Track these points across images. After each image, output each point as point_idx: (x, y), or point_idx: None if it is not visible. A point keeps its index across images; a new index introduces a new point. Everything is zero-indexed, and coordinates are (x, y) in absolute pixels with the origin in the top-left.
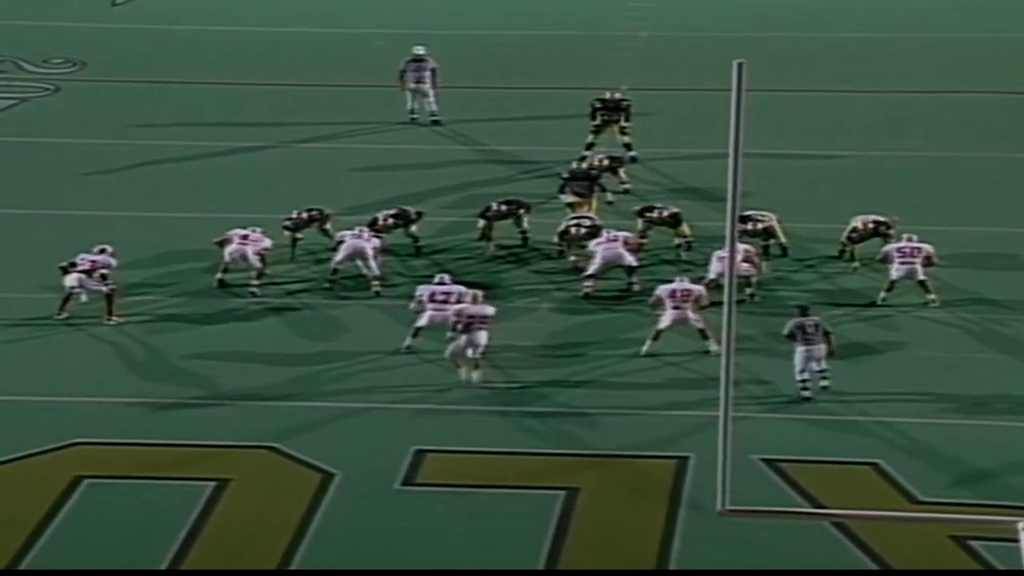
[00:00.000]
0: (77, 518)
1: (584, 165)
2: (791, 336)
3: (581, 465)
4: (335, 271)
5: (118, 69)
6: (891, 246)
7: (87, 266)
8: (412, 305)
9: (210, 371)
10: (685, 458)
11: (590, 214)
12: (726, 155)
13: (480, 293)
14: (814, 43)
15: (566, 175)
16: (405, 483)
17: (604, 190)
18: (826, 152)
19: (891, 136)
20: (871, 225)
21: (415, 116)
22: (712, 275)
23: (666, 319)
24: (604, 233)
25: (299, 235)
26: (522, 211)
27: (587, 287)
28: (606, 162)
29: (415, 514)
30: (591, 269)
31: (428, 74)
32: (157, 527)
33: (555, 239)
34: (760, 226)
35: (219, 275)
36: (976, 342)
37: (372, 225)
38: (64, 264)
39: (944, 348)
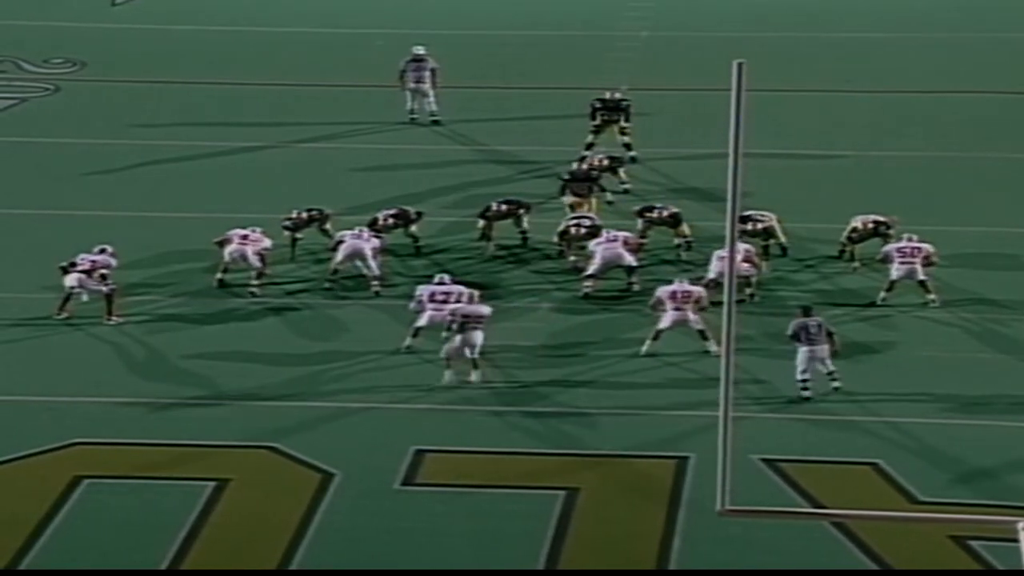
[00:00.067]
0: (77, 518)
1: (584, 165)
2: (794, 336)
3: (581, 465)
4: (335, 272)
5: (118, 69)
6: (891, 246)
7: (87, 266)
8: (412, 305)
9: (210, 371)
10: (685, 458)
11: (590, 214)
12: (726, 155)
13: (476, 293)
14: (814, 43)
15: (566, 176)
16: (405, 483)
17: (604, 190)
18: (826, 152)
19: (891, 136)
20: (871, 225)
21: (415, 116)
22: (712, 274)
23: (666, 320)
24: (604, 233)
25: (299, 235)
26: (522, 211)
27: (587, 287)
28: (606, 162)
29: (415, 514)
30: (591, 269)
31: (428, 74)
32: (157, 527)
33: (555, 239)
34: (760, 226)
35: (219, 275)
36: (976, 342)
37: (372, 225)
38: (64, 264)
39: (944, 348)
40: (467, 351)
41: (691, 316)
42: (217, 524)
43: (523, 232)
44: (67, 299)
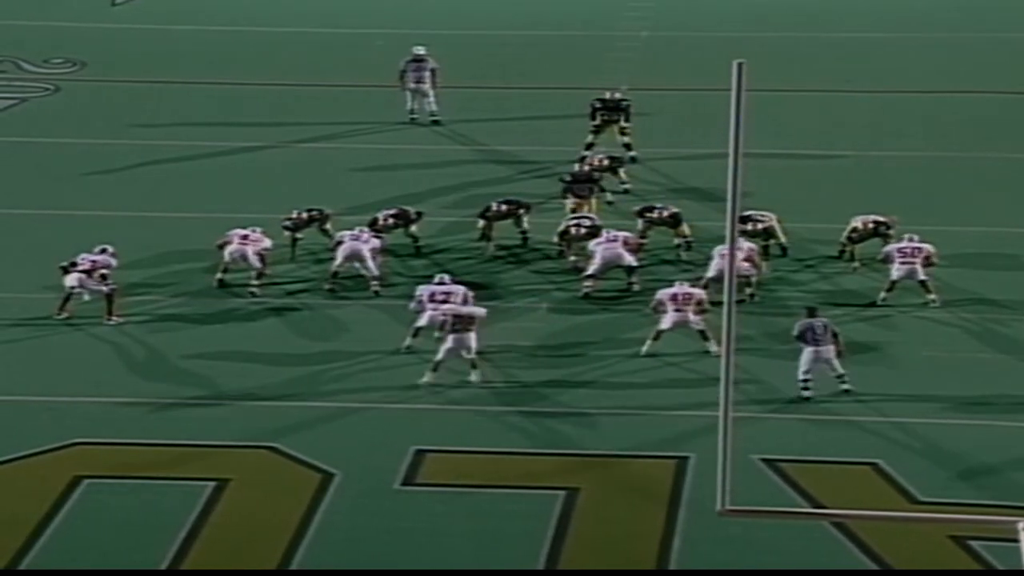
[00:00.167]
0: (77, 518)
1: (584, 165)
2: (800, 337)
3: (581, 465)
4: (335, 274)
5: (118, 69)
6: (892, 246)
7: (87, 266)
8: (412, 305)
9: (210, 371)
10: (685, 458)
11: (590, 214)
12: (726, 155)
13: (471, 294)
14: (814, 43)
15: (568, 178)
16: (405, 483)
17: (604, 191)
18: (826, 152)
19: (891, 136)
20: (871, 225)
21: (415, 116)
22: (712, 272)
23: (667, 320)
24: (604, 233)
25: (299, 235)
26: (522, 211)
27: (587, 287)
28: (606, 162)
29: (415, 514)
30: (591, 269)
31: (428, 74)
32: (157, 527)
33: (555, 239)
34: (760, 226)
35: (219, 275)
36: (976, 342)
37: (372, 225)
38: (64, 264)
39: (944, 348)
40: (464, 352)
41: (691, 317)
42: (217, 524)
43: (523, 232)
44: (67, 299)
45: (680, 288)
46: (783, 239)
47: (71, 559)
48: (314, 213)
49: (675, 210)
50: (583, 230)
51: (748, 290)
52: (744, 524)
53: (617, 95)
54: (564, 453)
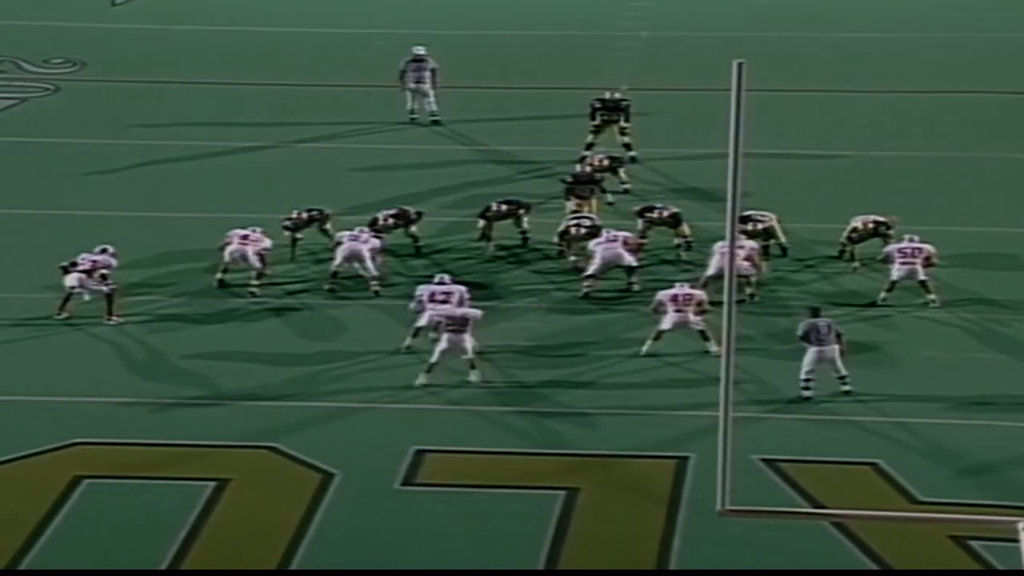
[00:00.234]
0: (77, 518)
1: (584, 165)
2: (804, 337)
3: (581, 465)
4: (335, 274)
5: (118, 69)
6: (892, 246)
7: (87, 266)
8: (412, 305)
9: (210, 371)
10: (685, 458)
11: (590, 214)
12: (726, 155)
13: (467, 295)
14: (814, 43)
15: (569, 179)
16: (405, 483)
17: (604, 192)
18: (826, 152)
19: (891, 136)
20: (871, 225)
21: (415, 116)
22: (712, 270)
23: (667, 321)
24: (604, 233)
25: (299, 235)
26: (522, 211)
27: (587, 287)
28: (606, 162)
29: (415, 514)
30: (591, 269)
31: (428, 74)
32: (157, 527)
33: (555, 239)
34: (760, 226)
35: (219, 275)
36: (976, 342)
37: (372, 225)
38: (65, 264)
39: (944, 348)
40: (459, 353)
41: (692, 317)
42: (217, 524)
43: (523, 232)
44: (67, 299)
45: (680, 289)
46: (783, 239)
47: (71, 559)
48: (314, 213)
49: (675, 210)
50: (583, 230)
51: (748, 290)
52: (744, 524)
53: (617, 95)
54: (564, 453)
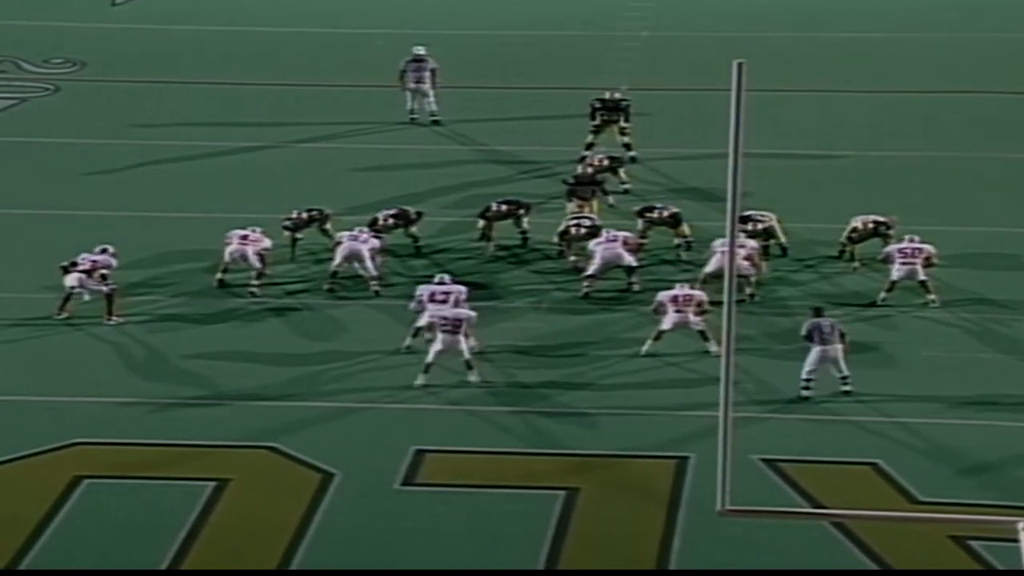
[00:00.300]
0: (77, 518)
1: (585, 165)
2: (808, 337)
3: (581, 465)
4: (335, 274)
5: (118, 69)
6: (893, 246)
7: (88, 266)
8: (412, 305)
9: (210, 371)
10: (685, 458)
11: (590, 214)
12: (726, 155)
13: (462, 296)
14: (814, 43)
15: (571, 181)
16: (405, 483)
17: (606, 194)
18: (826, 152)
19: (891, 136)
20: (871, 225)
21: (415, 116)
22: (711, 268)
23: (668, 321)
24: (604, 233)
25: (299, 235)
26: (522, 211)
27: (587, 287)
28: (606, 162)
29: (415, 514)
30: (591, 269)
31: (428, 74)
32: (157, 527)
33: (555, 239)
34: (760, 226)
35: (219, 275)
36: (976, 342)
37: (372, 225)
38: (65, 264)
39: (944, 348)
40: (454, 354)
41: (692, 318)
42: (217, 524)
43: (523, 232)
44: (67, 299)
45: (681, 290)
46: (783, 239)
47: (71, 559)
48: (314, 213)
49: (675, 210)
50: (583, 230)
51: (748, 290)
52: (744, 524)
53: (617, 95)
54: (564, 453)
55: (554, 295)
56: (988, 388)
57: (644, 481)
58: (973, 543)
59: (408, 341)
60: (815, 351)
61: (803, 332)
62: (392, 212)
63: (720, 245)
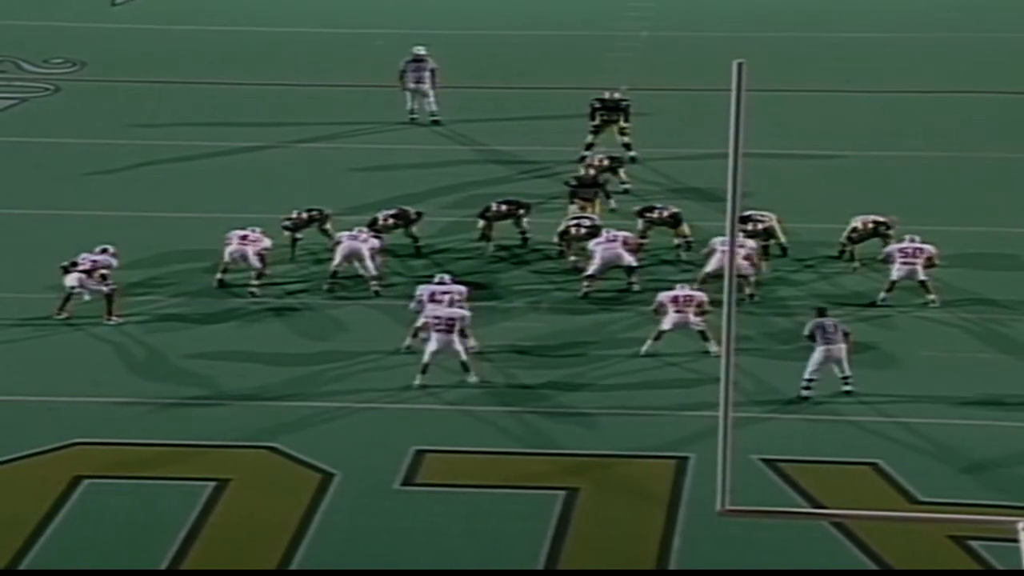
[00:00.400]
0: (77, 518)
1: (585, 166)
2: (811, 336)
3: (581, 465)
4: (334, 274)
5: (118, 69)
6: (893, 246)
7: (88, 266)
8: (412, 305)
9: (210, 371)
10: (685, 458)
11: (591, 214)
12: (726, 155)
13: (458, 296)
14: (814, 43)
15: (573, 183)
16: (405, 483)
17: (609, 197)
18: (826, 152)
19: (891, 136)
20: (871, 225)
21: (415, 116)
22: (710, 268)
23: (668, 321)
24: (604, 233)
25: (299, 235)
26: (522, 211)
27: (586, 287)
28: (606, 162)
29: (415, 514)
30: (590, 269)
31: (428, 74)
32: (157, 527)
33: (555, 239)
34: (760, 226)
35: (219, 275)
36: (976, 342)
37: (372, 225)
38: (65, 264)
39: (944, 348)
40: (450, 353)
41: (692, 318)
42: (217, 524)
43: (523, 232)
44: (67, 299)
45: (681, 291)
46: (783, 239)
47: (71, 559)
48: (314, 213)
49: (675, 210)
50: (583, 230)
51: (748, 290)
52: (744, 524)
53: (616, 95)
54: (564, 453)
55: (554, 295)
56: (988, 388)
57: (644, 481)
58: (973, 543)
59: (408, 341)
60: (818, 351)
61: (806, 332)
62: (392, 212)
63: (719, 244)
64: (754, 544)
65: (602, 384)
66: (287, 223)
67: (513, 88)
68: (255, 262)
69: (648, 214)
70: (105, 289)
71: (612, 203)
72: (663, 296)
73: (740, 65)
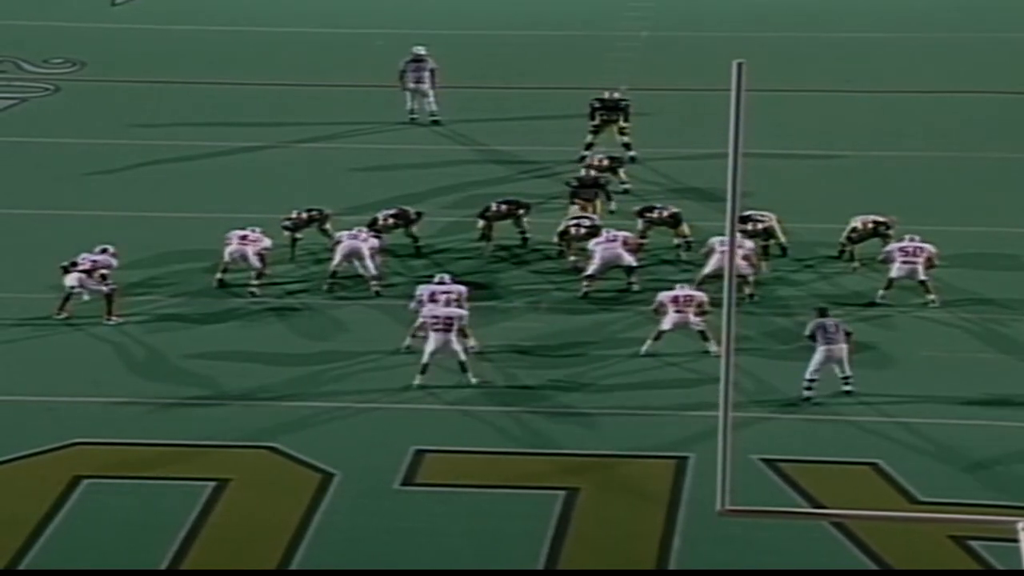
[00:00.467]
0: (77, 518)
1: (585, 166)
2: (812, 336)
3: (581, 465)
4: (334, 274)
5: (118, 69)
6: (893, 246)
7: (88, 266)
8: (412, 305)
9: (210, 371)
10: (685, 458)
11: (591, 214)
12: (726, 155)
13: (456, 297)
14: (814, 43)
15: (574, 183)
16: (405, 483)
17: (609, 198)
18: (826, 152)
19: (891, 136)
20: (871, 225)
21: (415, 116)
22: (709, 268)
23: (668, 321)
24: (603, 233)
25: (299, 235)
26: (521, 211)
27: (586, 287)
28: (606, 162)
29: (415, 514)
30: (590, 269)
31: (428, 74)
32: (157, 527)
33: (555, 239)
34: (760, 226)
35: (219, 275)
36: (976, 342)
37: (372, 225)
38: (65, 264)
39: (944, 348)
40: (448, 353)
41: (692, 318)
42: (217, 524)
43: (523, 232)
44: (67, 299)
45: (681, 291)
46: (783, 239)
47: (71, 559)
48: (314, 213)
49: (675, 210)
50: (583, 230)
51: (747, 290)
52: (744, 524)
53: (616, 95)
54: (564, 453)
55: (554, 295)
56: (988, 388)
57: (644, 481)
58: (973, 543)
59: (408, 341)
60: (820, 351)
61: (807, 332)
62: (392, 212)
63: (718, 244)
64: (754, 544)
65: (602, 384)
66: (287, 223)
67: (513, 88)
68: (255, 262)
69: (648, 214)
70: (105, 289)
71: (612, 205)
72: (663, 296)
73: (740, 65)
